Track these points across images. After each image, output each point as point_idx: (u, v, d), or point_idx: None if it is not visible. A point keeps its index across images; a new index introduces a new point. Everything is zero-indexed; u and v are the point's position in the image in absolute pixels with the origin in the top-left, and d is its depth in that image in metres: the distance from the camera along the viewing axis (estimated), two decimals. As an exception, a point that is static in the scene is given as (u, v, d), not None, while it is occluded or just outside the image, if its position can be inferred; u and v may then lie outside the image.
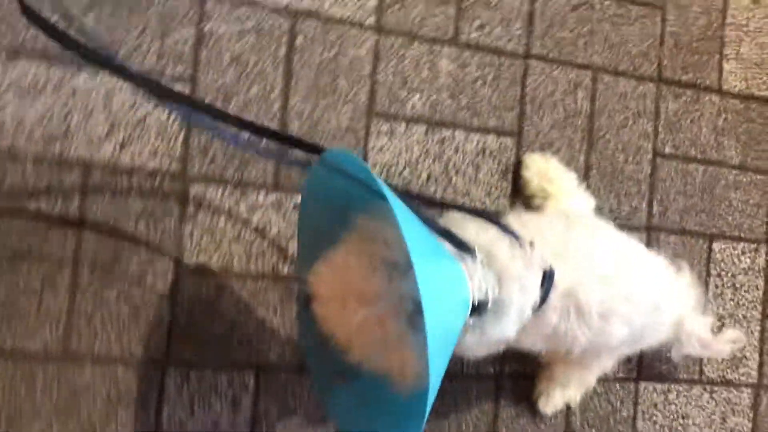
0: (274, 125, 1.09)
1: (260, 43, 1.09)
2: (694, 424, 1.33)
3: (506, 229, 0.84)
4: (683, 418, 1.32)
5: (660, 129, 1.33)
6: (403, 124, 1.16)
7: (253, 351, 1.09)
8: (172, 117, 1.04)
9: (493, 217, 0.87)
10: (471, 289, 0.76)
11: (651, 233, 1.32)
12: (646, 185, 1.32)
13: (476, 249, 0.79)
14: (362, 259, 0.76)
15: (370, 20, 1.15)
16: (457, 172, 1.20)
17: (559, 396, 1.20)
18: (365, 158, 1.14)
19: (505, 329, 0.81)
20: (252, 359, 1.08)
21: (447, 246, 0.79)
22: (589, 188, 1.26)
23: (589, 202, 1.18)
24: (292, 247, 1.10)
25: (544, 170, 1.19)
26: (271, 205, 1.09)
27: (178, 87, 1.04)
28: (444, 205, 1.04)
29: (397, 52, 1.16)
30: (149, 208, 1.04)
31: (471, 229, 0.84)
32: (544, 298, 0.82)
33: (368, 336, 0.76)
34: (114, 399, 1.01)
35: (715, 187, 1.37)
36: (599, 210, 1.24)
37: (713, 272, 1.37)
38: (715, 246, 1.37)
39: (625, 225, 1.29)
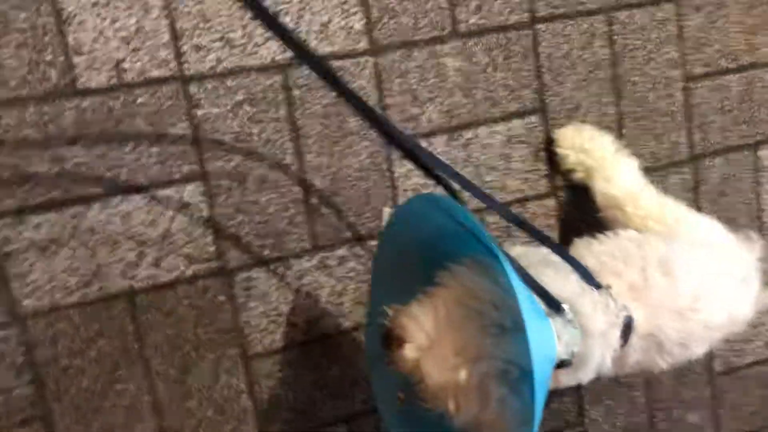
0: (296, 191, 1.19)
1: (258, 110, 1.15)
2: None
3: (580, 268, 0.97)
4: None
5: (687, 51, 1.40)
6: (424, 142, 1.25)
7: (339, 405, 1.27)
8: (194, 217, 1.14)
9: (563, 252, 0.99)
10: (558, 347, 0.91)
11: (696, 163, 1.44)
12: (682, 115, 1.41)
13: (566, 308, 0.89)
14: (463, 312, 0.84)
15: (363, 44, 1.18)
16: (489, 170, 1.30)
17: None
18: (394, 187, 1.25)
19: (582, 377, 0.97)
20: (340, 413, 1.28)
21: (538, 301, 0.88)
22: (626, 138, 1.36)
23: (631, 165, 1.29)
24: (347, 301, 1.25)
25: (578, 143, 1.27)
26: (315, 268, 1.22)
27: (190, 188, 1.13)
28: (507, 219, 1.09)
29: (399, 68, 1.20)
30: (202, 311, 1.17)
31: (551, 278, 0.93)
32: (624, 343, 0.97)
33: (466, 393, 0.84)
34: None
35: (753, 93, 1.46)
36: (641, 158, 1.36)
37: (763, 180, 1.51)
38: (761, 153, 1.50)
39: (669, 164, 1.42)
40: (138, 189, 1.09)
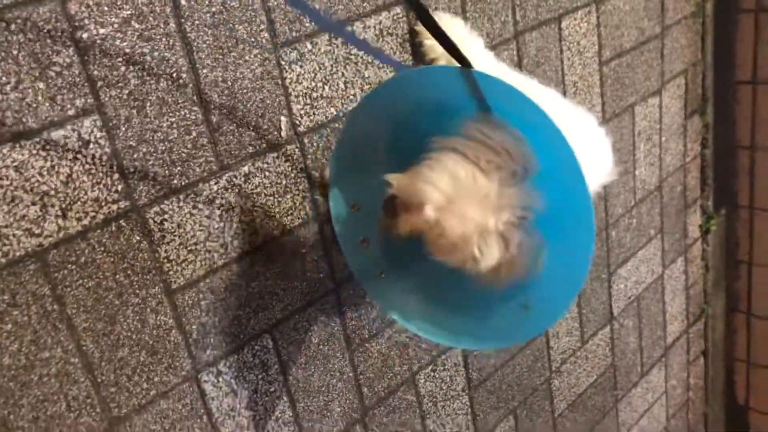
0: (196, 111, 1.11)
1: (147, 26, 1.03)
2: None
3: None
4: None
5: (508, -66, 1.53)
6: (308, 44, 1.23)
7: (261, 318, 1.29)
8: (96, 155, 1.01)
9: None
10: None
11: (518, 39, 1.62)
12: (509, -3, 1.58)
13: None
14: (477, 167, 0.90)
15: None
16: (366, 65, 1.33)
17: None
18: (287, 94, 1.22)
19: None
20: (263, 325, 1.29)
21: None
22: (469, 21, 1.49)
23: (479, 43, 1.42)
24: (258, 217, 1.23)
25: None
26: (224, 189, 1.18)
27: (87, 123, 1.00)
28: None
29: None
30: (119, 255, 1.07)
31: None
32: None
33: (489, 241, 0.90)
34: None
35: (555, -30, 1.67)
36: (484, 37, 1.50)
37: (565, 48, 1.75)
38: (564, 24, 1.73)
39: (500, 43, 1.58)
40: (29, 133, 0.95)
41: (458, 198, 0.91)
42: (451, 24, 1.37)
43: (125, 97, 1.02)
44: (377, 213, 1.02)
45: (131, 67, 1.02)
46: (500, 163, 0.92)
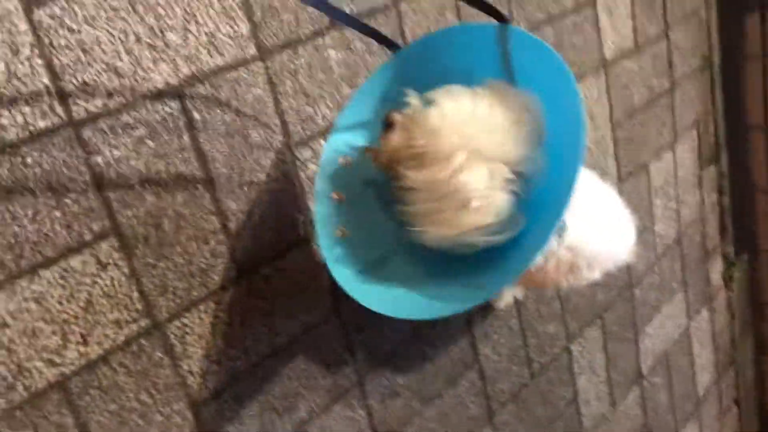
0: (213, 221, 1.10)
1: (160, 143, 1.02)
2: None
3: None
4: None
5: None
6: (321, 140, 1.22)
7: (286, 420, 1.26)
8: (114, 278, 1.00)
9: None
10: None
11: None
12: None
13: None
14: (496, 113, 0.88)
15: (251, 50, 1.10)
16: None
17: (509, 294, 1.59)
18: (303, 191, 1.21)
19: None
20: (289, 426, 1.26)
21: None
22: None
23: None
24: (278, 318, 1.21)
25: None
26: (244, 294, 1.16)
27: (104, 246, 0.99)
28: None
29: (288, 69, 1.15)
30: (142, 374, 1.05)
31: None
32: (555, 244, 1.08)
33: (472, 165, 0.87)
34: None
35: None
36: None
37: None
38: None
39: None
40: (47, 263, 0.94)
41: (467, 119, 0.88)
42: None
43: (142, 216, 1.02)
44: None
45: (147, 186, 1.01)
46: (520, 118, 0.89)
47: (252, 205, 1.14)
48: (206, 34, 1.05)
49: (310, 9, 1.17)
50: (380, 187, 1.06)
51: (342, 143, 1.08)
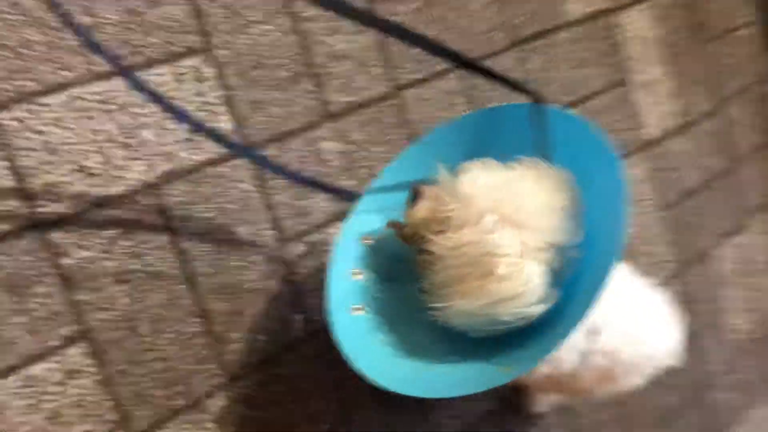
0: (196, 322, 1.04)
1: (136, 242, 1.00)
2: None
3: None
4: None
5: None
6: (317, 234, 1.17)
7: None
8: (84, 385, 0.95)
9: None
10: None
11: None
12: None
13: None
14: (530, 183, 0.84)
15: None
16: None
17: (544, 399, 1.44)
18: (299, 290, 1.15)
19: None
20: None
21: None
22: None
23: None
24: (277, 426, 1.12)
25: None
26: (234, 401, 1.08)
27: (73, 352, 0.95)
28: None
29: (278, 162, 1.13)
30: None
31: None
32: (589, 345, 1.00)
33: (502, 232, 0.82)
34: None
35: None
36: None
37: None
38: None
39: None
40: (9, 370, 0.89)
41: (498, 189, 0.83)
42: None
43: (115, 318, 0.97)
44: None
45: (120, 287, 0.97)
46: (556, 192, 0.83)
47: (240, 307, 1.08)
48: (184, 130, 1.04)
49: (302, 101, 1.14)
50: (401, 263, 0.98)
51: (360, 224, 1.03)
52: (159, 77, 1.02)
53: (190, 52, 1.05)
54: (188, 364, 1.03)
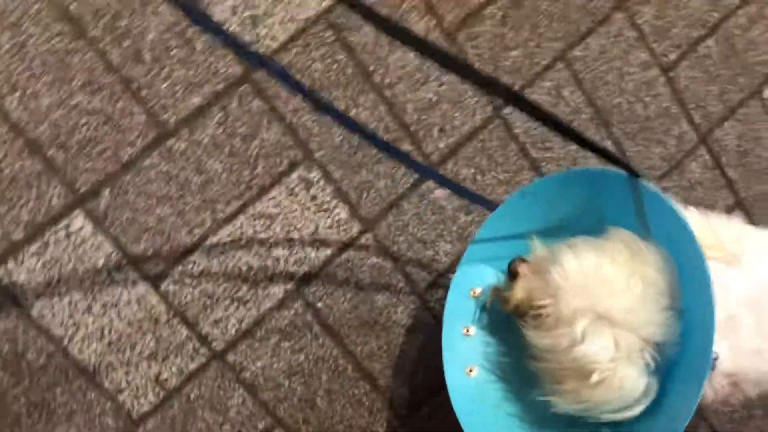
0: (365, 385, 1.24)
1: (295, 341, 1.19)
2: None
3: None
4: None
5: (653, 45, 1.36)
6: (450, 275, 1.27)
7: None
8: None
9: None
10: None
11: (708, 139, 1.42)
12: (676, 105, 1.40)
13: None
14: (624, 273, 0.84)
15: (355, 228, 1.20)
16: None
17: None
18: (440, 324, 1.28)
19: None
20: None
21: None
22: (633, 160, 1.36)
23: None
24: None
25: None
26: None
27: (272, 437, 1.20)
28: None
29: (397, 227, 1.23)
30: None
31: None
32: None
33: (598, 332, 0.83)
34: None
35: (734, 44, 1.43)
36: (655, 169, 1.36)
37: None
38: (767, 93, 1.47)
39: (684, 156, 1.41)
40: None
41: (593, 280, 0.85)
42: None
43: (296, 403, 1.19)
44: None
45: (293, 378, 1.18)
46: (651, 276, 0.85)
47: (395, 360, 1.24)
48: (308, 234, 1.17)
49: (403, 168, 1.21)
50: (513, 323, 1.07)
51: (471, 275, 1.09)
52: (274, 200, 1.15)
53: (293, 165, 1.15)
54: (364, 417, 1.23)
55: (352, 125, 0.91)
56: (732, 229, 1.16)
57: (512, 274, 0.94)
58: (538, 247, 0.93)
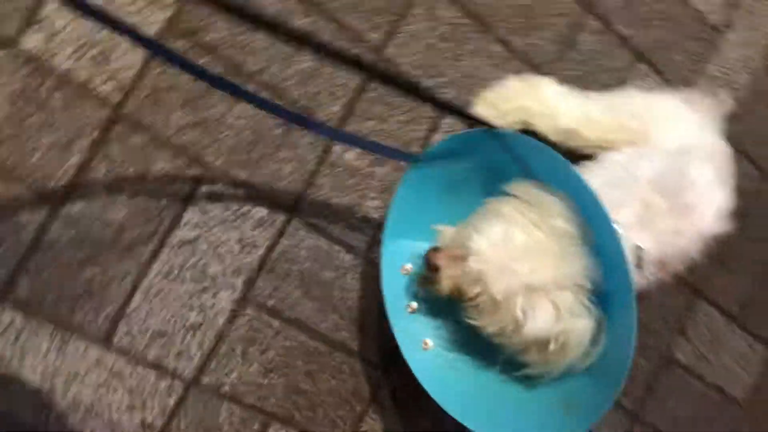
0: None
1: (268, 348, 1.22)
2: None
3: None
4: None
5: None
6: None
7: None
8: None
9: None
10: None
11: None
12: None
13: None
14: (532, 227, 0.87)
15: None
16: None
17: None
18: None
19: None
20: None
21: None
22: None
23: (555, 87, 1.23)
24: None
25: (506, 98, 1.17)
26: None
27: None
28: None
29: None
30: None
31: None
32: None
33: (537, 304, 0.86)
34: None
35: None
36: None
37: None
38: None
39: (566, 31, 1.39)
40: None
41: (508, 252, 0.87)
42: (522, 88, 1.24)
43: (281, 395, 1.24)
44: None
45: (269, 375, 1.22)
46: (560, 227, 0.88)
47: (360, 322, 1.28)
48: (236, 242, 1.17)
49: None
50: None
51: (396, 252, 1.12)
52: (189, 223, 1.14)
53: (196, 182, 1.14)
54: (347, 383, 1.29)
55: (258, 99, 0.85)
56: (633, 104, 1.17)
57: (431, 267, 0.94)
58: (446, 233, 0.93)
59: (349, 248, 1.25)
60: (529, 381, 0.98)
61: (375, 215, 1.27)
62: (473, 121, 0.95)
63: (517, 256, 0.86)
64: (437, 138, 1.29)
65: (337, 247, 1.24)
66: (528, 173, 0.93)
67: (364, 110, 1.24)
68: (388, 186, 1.26)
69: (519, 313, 0.86)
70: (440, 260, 0.94)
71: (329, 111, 1.21)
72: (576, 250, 0.87)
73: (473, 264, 0.88)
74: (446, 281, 0.95)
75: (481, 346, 1.01)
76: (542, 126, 1.16)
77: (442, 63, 1.28)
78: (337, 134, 1.15)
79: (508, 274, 0.85)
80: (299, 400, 1.25)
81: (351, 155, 1.24)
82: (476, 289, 0.90)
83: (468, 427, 1.00)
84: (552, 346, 0.88)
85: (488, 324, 0.91)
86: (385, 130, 1.26)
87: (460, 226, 0.94)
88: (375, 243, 1.27)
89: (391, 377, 1.31)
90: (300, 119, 1.01)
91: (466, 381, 1.04)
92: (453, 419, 1.02)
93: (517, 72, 1.31)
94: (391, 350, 1.29)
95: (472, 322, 0.92)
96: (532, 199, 0.90)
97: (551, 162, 0.87)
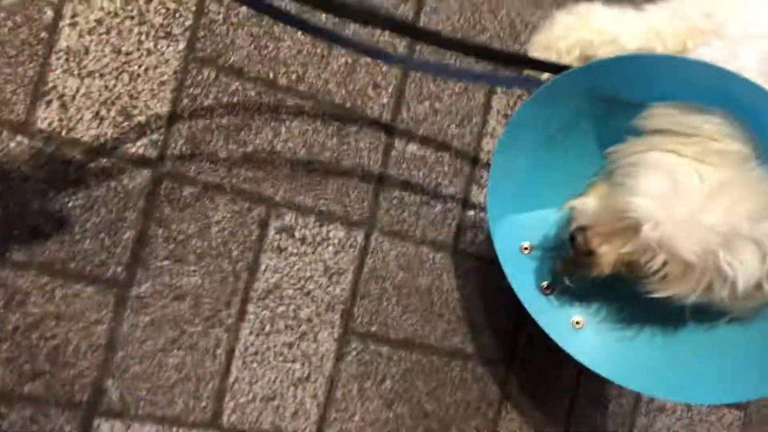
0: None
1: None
2: None
3: None
4: None
5: None
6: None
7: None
8: None
9: None
10: None
11: None
12: None
13: None
14: (691, 158, 0.75)
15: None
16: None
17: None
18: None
19: None
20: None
21: None
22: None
23: (609, 12, 1.11)
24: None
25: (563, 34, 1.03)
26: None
27: None
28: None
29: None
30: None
31: None
32: None
33: (743, 253, 0.74)
34: None
35: None
36: None
37: None
38: None
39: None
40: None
41: (686, 204, 0.73)
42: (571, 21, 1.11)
43: (409, 423, 1.12)
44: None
45: (393, 406, 1.11)
46: (722, 147, 0.74)
47: (468, 322, 1.17)
48: (322, 275, 1.05)
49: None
50: None
51: (508, 231, 0.97)
52: (269, 269, 1.01)
53: (263, 224, 1.01)
54: (473, 390, 1.17)
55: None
56: (698, 3, 1.04)
57: (584, 251, 0.80)
58: (585, 206, 0.80)
59: (437, 246, 1.13)
60: (728, 326, 0.85)
61: (453, 204, 1.14)
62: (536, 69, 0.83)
63: (698, 205, 0.72)
64: (498, 101, 1.16)
65: (425, 249, 1.12)
66: (649, 98, 0.78)
67: (414, 94, 1.11)
68: (460, 169, 1.14)
69: (725, 267, 0.72)
70: (595, 242, 0.80)
71: (380, 103, 1.08)
72: (759, 171, 0.73)
73: (650, 233, 0.73)
74: (607, 261, 0.80)
75: (648, 308, 0.87)
76: (608, 55, 1.04)
77: (480, 18, 1.15)
78: (412, 63, 1.04)
79: (697, 229, 0.72)
80: (430, 424, 1.13)
81: (413, 147, 1.11)
82: (659, 259, 0.75)
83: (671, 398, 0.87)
84: (766, 285, 0.75)
85: (682, 291, 0.77)
86: (441, 110, 1.13)
87: (600, 194, 0.81)
88: (461, 232, 1.15)
89: (515, 369, 1.20)
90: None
91: (644, 350, 0.92)
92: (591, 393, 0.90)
93: (560, 6, 1.17)
94: (509, 341, 1.18)
95: (656, 295, 0.79)
96: (682, 126, 0.75)
97: (682, 70, 0.74)
